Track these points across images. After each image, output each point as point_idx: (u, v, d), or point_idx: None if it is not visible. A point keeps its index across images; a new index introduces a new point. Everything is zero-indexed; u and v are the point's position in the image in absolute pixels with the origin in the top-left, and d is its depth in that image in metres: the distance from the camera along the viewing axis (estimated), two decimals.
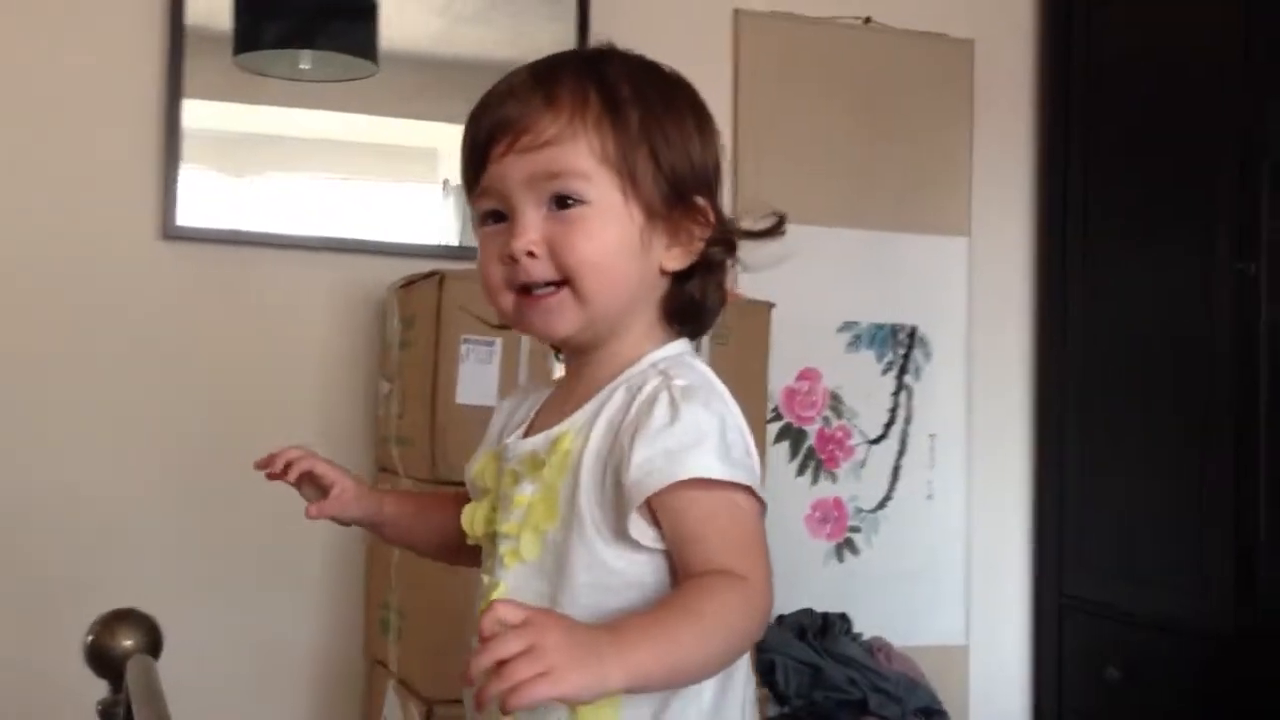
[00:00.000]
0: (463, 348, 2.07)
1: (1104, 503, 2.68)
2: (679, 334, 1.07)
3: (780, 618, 2.53)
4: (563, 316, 1.01)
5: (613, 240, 1.00)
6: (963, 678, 2.82)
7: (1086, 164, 2.78)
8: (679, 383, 0.98)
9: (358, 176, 2.58)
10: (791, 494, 2.74)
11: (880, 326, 2.85)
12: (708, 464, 0.93)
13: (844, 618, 2.56)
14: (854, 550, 2.80)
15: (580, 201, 0.99)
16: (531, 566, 1.01)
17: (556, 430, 1.02)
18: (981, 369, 2.91)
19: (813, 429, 2.79)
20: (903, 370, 2.87)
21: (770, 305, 2.30)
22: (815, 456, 2.79)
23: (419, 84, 2.56)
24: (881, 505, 2.83)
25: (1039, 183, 2.94)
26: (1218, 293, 2.39)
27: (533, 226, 0.99)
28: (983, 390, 2.91)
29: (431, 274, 2.16)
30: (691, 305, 1.06)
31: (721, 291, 1.08)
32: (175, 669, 1.28)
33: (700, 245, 1.04)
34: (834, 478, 2.80)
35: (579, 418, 1.01)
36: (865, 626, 2.61)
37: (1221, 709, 2.25)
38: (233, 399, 2.39)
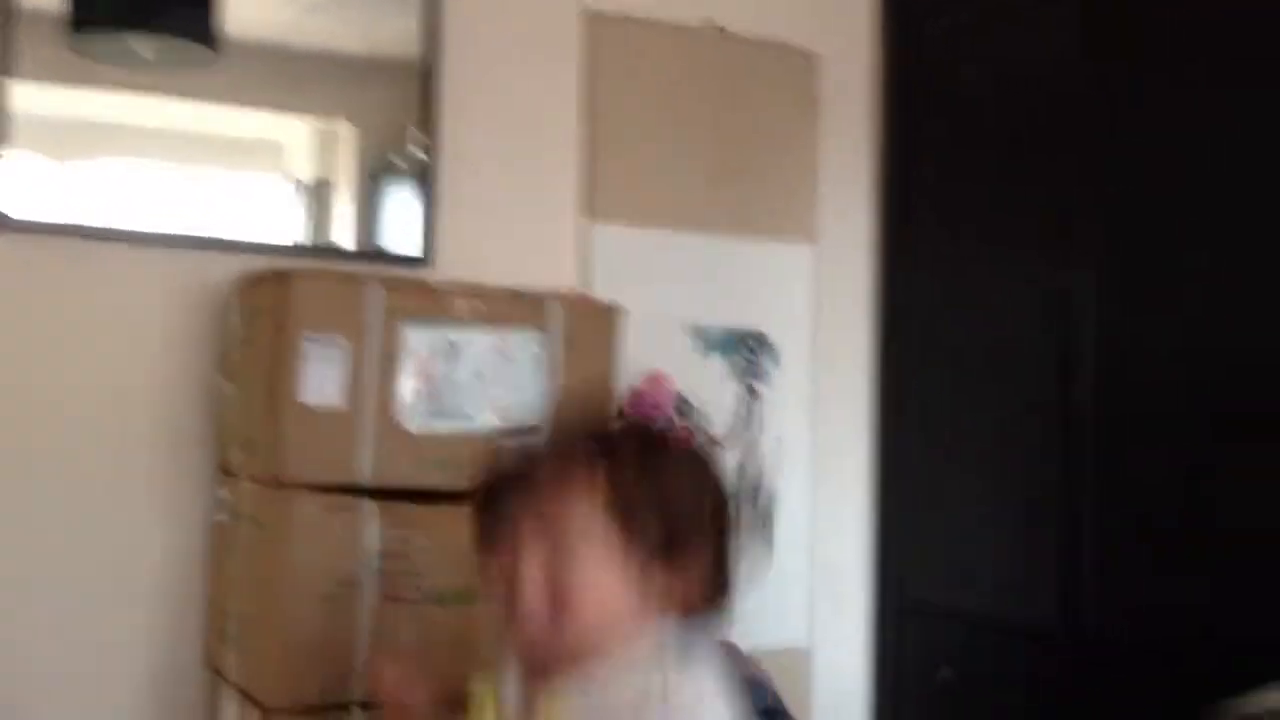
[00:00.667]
0: (305, 345, 2.02)
1: (941, 507, 2.77)
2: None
3: None
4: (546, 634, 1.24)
5: (596, 590, 1.22)
6: (806, 679, 2.87)
7: (928, 173, 2.86)
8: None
9: (198, 168, 2.50)
10: None
11: (729, 332, 2.88)
12: None
13: None
14: None
15: (564, 575, 1.22)
16: None
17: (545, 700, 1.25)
18: (826, 375, 2.97)
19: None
20: (750, 375, 2.90)
21: (620, 309, 2.30)
22: None
23: (265, 74, 2.49)
24: None
25: (882, 190, 3.02)
26: (1046, 300, 2.48)
27: (533, 590, 1.23)
28: (827, 396, 2.97)
29: (275, 271, 2.10)
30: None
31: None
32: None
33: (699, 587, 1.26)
34: None
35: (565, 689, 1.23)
36: None
37: (1048, 707, 2.34)
38: (63, 399, 2.28)
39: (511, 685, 1.30)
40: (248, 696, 2.04)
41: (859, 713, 2.93)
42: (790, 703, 2.50)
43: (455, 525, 2.09)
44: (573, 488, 1.20)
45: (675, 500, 1.22)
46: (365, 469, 2.03)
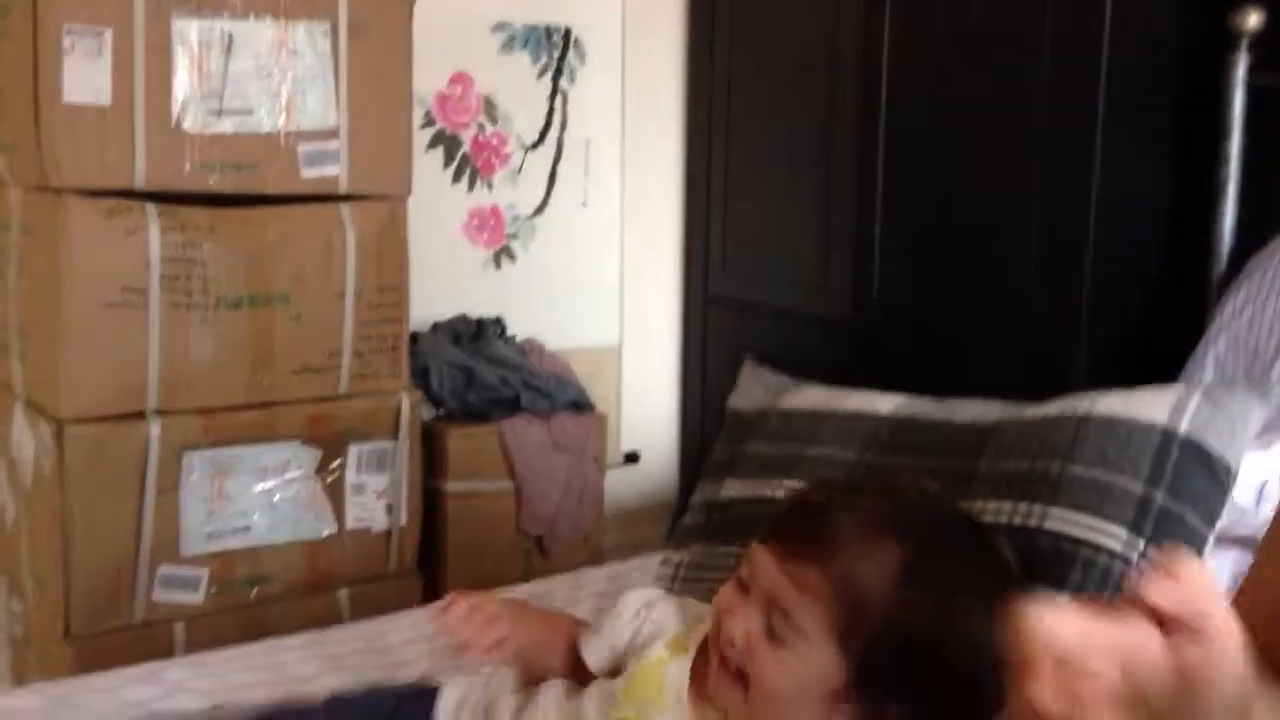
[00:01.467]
0: (66, 39, 1.87)
1: (748, 209, 2.81)
2: None
3: (435, 325, 2.55)
4: (727, 696, 1.00)
5: (790, 688, 0.97)
6: (616, 376, 2.96)
7: None
8: None
9: None
10: (448, 202, 2.71)
11: (533, 28, 2.78)
12: None
13: (498, 321, 2.61)
14: (511, 257, 2.82)
15: (787, 642, 0.97)
16: None
17: None
18: (635, 74, 2.91)
19: (467, 135, 2.74)
20: (558, 74, 2.83)
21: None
22: (471, 164, 2.75)
23: None
24: (538, 212, 2.85)
25: None
26: (849, 4, 2.47)
27: (752, 623, 0.99)
28: (636, 96, 2.92)
29: None
30: None
31: None
32: None
33: None
34: (490, 185, 2.78)
35: None
36: (522, 331, 2.67)
37: (839, 379, 2.46)
38: None
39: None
40: (39, 409, 1.99)
41: (669, 403, 3.04)
42: (601, 398, 2.59)
43: (244, 230, 2.04)
44: (855, 583, 0.97)
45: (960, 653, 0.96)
46: (139, 172, 1.93)
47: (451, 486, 2.32)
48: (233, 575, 2.09)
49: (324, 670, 1.35)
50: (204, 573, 2.06)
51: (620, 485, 2.90)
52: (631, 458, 2.96)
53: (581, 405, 2.48)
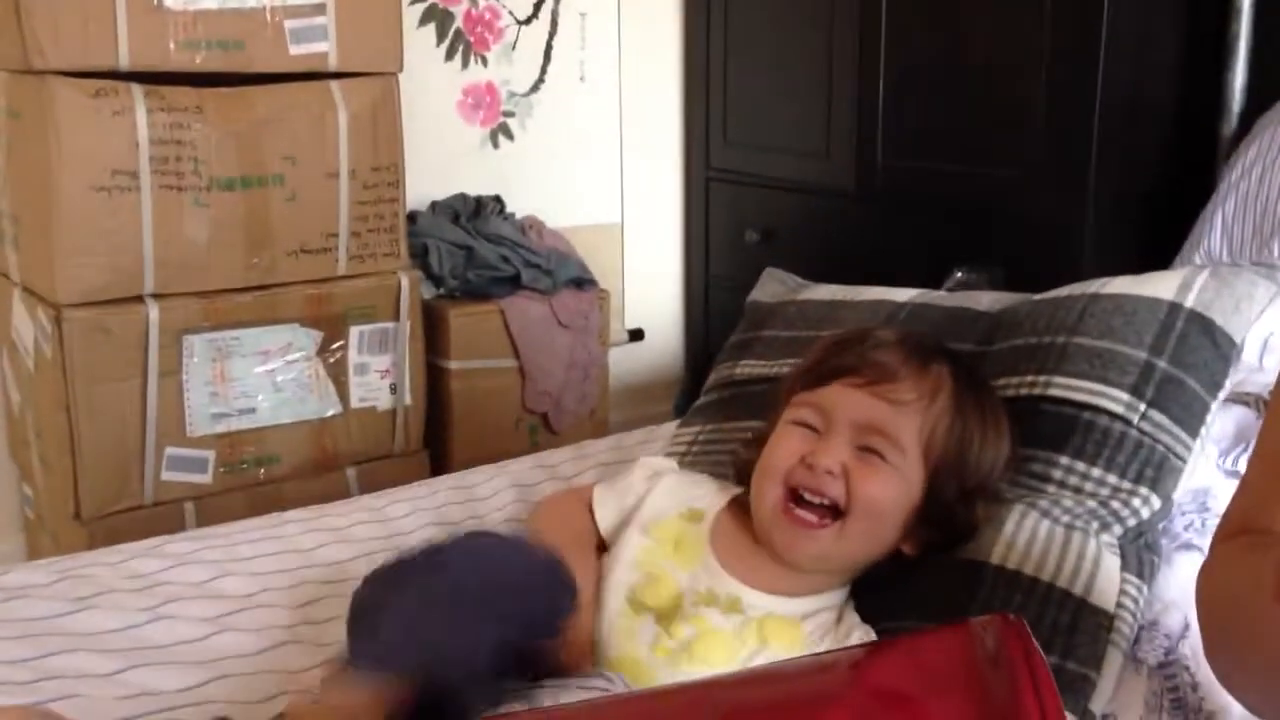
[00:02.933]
0: None
1: (749, 83, 2.75)
2: None
3: (434, 204, 2.53)
4: (811, 545, 1.05)
5: (891, 501, 1.04)
6: (618, 253, 2.94)
7: None
8: None
9: None
10: (442, 80, 2.66)
11: None
12: None
13: (497, 199, 2.58)
14: (508, 135, 2.78)
15: (886, 461, 1.04)
16: None
17: (767, 606, 1.05)
18: None
19: (459, 10, 2.67)
20: None
21: None
22: (464, 39, 2.69)
23: None
24: (534, 89, 2.80)
25: None
26: None
27: (843, 454, 1.04)
28: None
29: None
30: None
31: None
32: None
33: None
34: (485, 61, 2.73)
35: (794, 609, 1.05)
36: (521, 209, 2.64)
37: (843, 256, 2.44)
38: None
39: (703, 556, 1.10)
40: (36, 296, 1.99)
41: (671, 279, 3.03)
42: (603, 276, 2.58)
43: (233, 109, 2.01)
44: (925, 384, 1.07)
45: (982, 464, 1.08)
46: (123, 52, 1.89)
47: (454, 365, 2.33)
48: (240, 456, 2.11)
49: (327, 541, 1.36)
50: (211, 454, 2.08)
51: (625, 362, 2.90)
52: (636, 335, 2.95)
53: (583, 282, 2.47)
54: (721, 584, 1.07)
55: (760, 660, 1.02)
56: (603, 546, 1.16)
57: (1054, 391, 1.14)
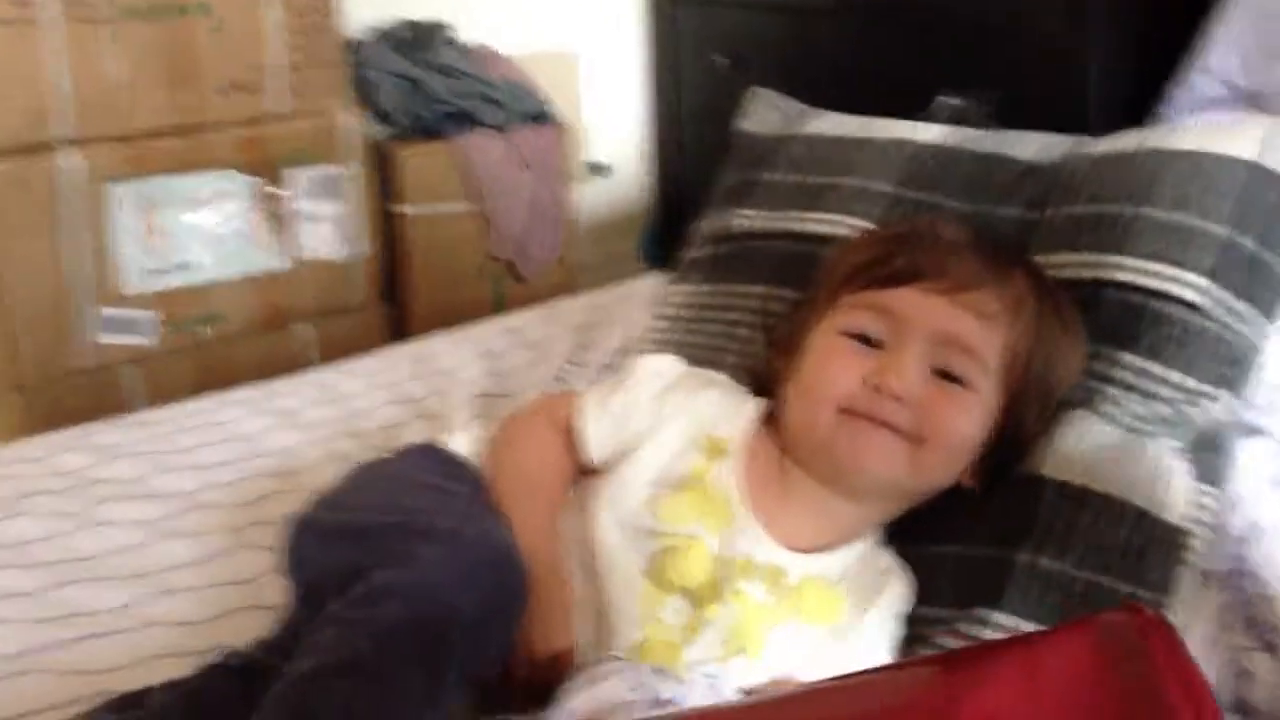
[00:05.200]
0: None
1: None
2: None
3: (375, 32, 2.31)
4: (887, 459, 0.89)
5: (973, 434, 0.91)
6: (574, 83, 2.73)
7: None
8: None
9: None
10: None
11: None
12: None
13: (443, 26, 2.36)
14: None
15: (967, 385, 0.90)
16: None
17: (804, 569, 0.91)
18: None
19: None
20: None
21: None
22: None
23: None
24: None
25: None
26: None
27: (917, 376, 0.89)
28: None
29: None
30: None
31: None
32: None
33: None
34: None
35: (830, 568, 0.91)
36: (471, 37, 2.42)
37: (819, 81, 2.26)
38: None
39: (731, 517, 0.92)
40: None
41: (635, 109, 2.84)
42: (560, 106, 2.38)
43: None
44: (1009, 293, 0.92)
45: (1064, 374, 0.94)
46: None
47: (410, 210, 2.15)
48: (183, 315, 1.95)
49: (274, 426, 1.22)
50: (151, 314, 1.92)
51: (587, 200, 2.73)
52: (599, 170, 2.77)
53: (542, 116, 2.28)
54: (762, 548, 0.90)
55: (788, 633, 0.88)
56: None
57: (1120, 275, 0.98)
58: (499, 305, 2.28)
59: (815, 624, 0.89)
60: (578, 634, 0.89)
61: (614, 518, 0.91)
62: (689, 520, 0.90)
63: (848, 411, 0.90)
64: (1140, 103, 1.95)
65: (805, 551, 0.91)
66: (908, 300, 0.91)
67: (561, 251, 2.37)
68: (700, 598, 0.88)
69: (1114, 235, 1.00)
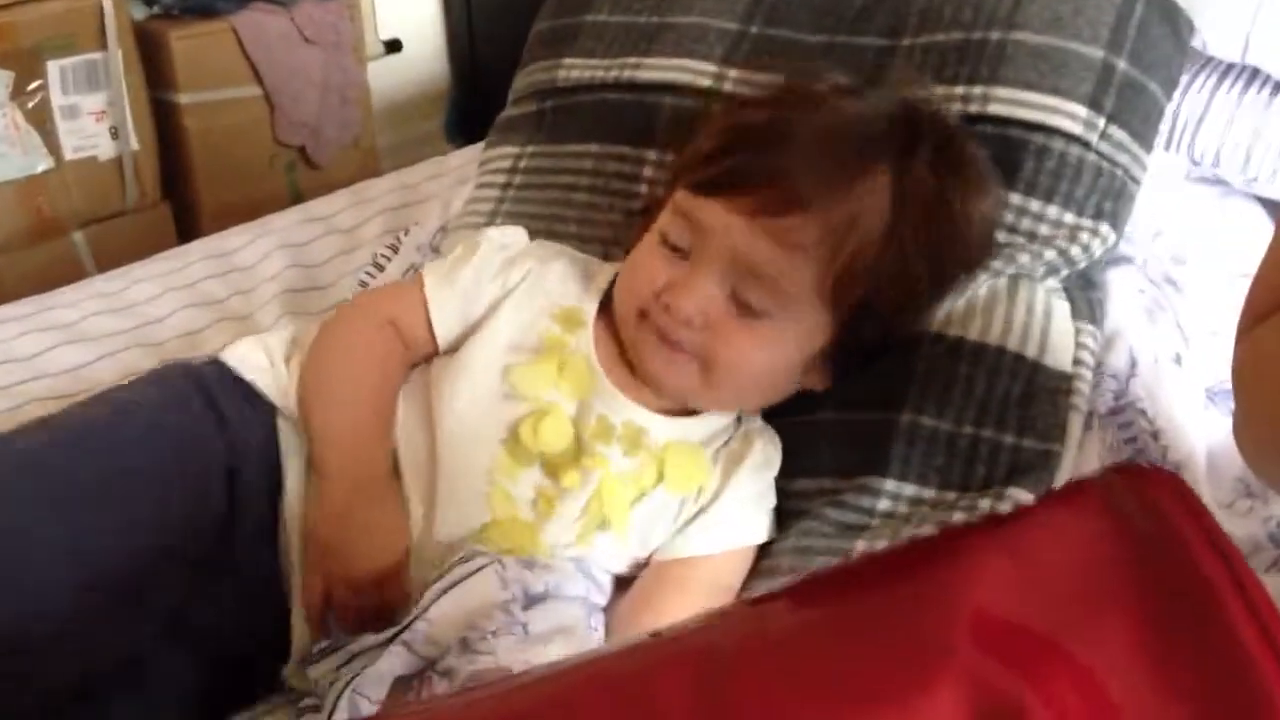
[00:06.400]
0: None
1: None
2: None
3: None
4: (676, 376, 0.85)
5: (772, 363, 0.84)
6: None
7: None
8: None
9: None
10: None
11: None
12: None
13: None
14: None
15: (763, 315, 0.82)
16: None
17: (667, 432, 0.85)
18: None
19: None
20: None
21: None
22: None
23: None
24: None
25: None
26: None
27: (706, 300, 0.82)
28: None
29: None
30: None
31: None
32: None
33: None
34: None
35: (693, 431, 0.86)
36: None
37: None
38: None
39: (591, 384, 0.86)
40: None
41: None
42: None
43: None
44: (851, 227, 0.80)
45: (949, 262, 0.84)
46: None
47: (185, 99, 1.96)
48: None
49: (56, 343, 1.08)
50: None
51: (382, 78, 2.56)
52: (393, 46, 2.60)
53: None
54: (618, 410, 0.85)
55: (654, 505, 0.83)
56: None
57: (994, 108, 0.91)
58: (296, 197, 2.12)
59: (680, 491, 0.85)
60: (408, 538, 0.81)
61: (466, 390, 0.85)
62: (546, 387, 0.84)
63: (644, 318, 0.84)
64: None
65: (669, 416, 0.86)
66: (713, 216, 0.82)
67: (358, 134, 2.21)
68: (557, 466, 0.82)
69: (983, 63, 0.93)
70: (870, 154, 0.83)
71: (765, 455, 0.87)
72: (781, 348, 0.83)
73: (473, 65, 2.68)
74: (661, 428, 0.85)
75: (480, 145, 1.50)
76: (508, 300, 0.89)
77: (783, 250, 0.80)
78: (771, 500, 0.87)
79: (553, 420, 0.83)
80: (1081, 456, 0.82)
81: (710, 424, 0.87)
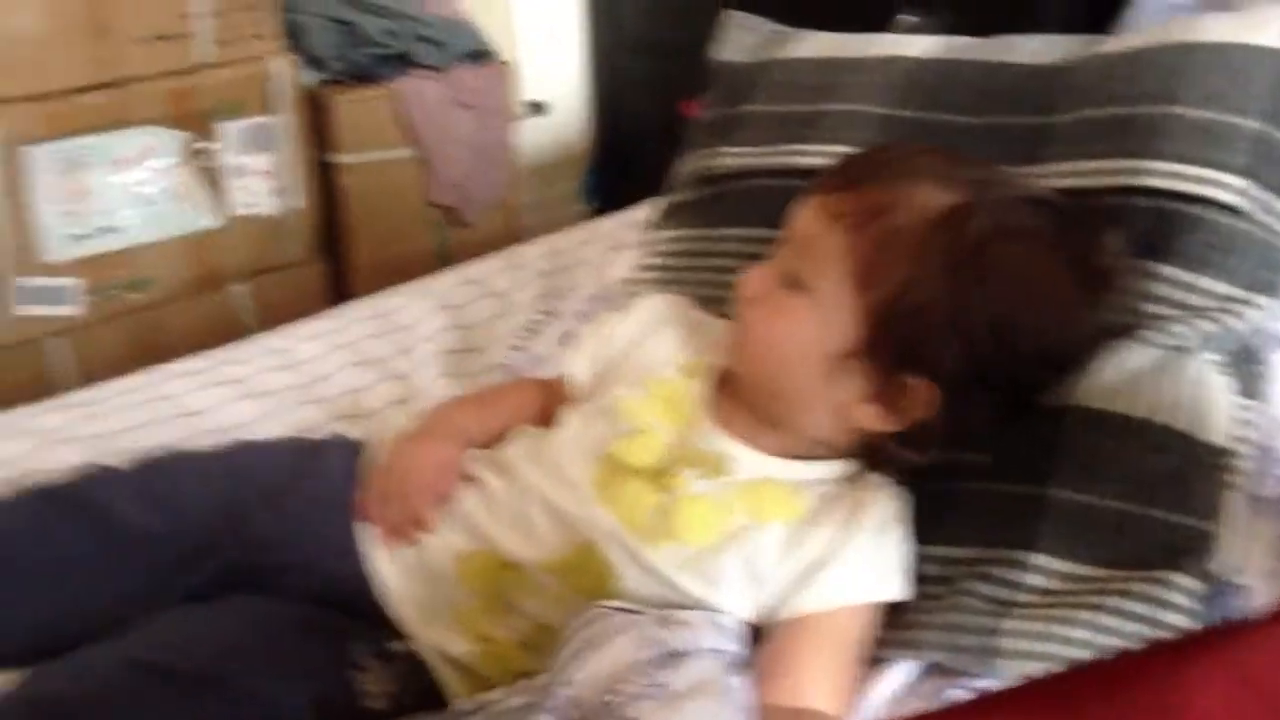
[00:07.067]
0: None
1: None
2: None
3: None
4: (724, 345, 0.92)
5: (795, 336, 0.86)
6: (506, 13, 2.63)
7: None
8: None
9: None
10: None
11: None
12: None
13: None
14: None
15: (801, 288, 0.86)
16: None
17: (762, 467, 0.89)
18: None
19: None
20: None
21: None
22: None
23: None
24: None
25: None
26: None
27: (762, 276, 0.89)
28: None
29: None
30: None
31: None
32: None
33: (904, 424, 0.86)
34: None
35: (796, 472, 0.89)
36: None
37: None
38: None
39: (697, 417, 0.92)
40: None
41: (574, 41, 2.74)
42: (494, 38, 2.29)
43: None
44: (880, 213, 0.84)
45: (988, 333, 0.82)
46: None
47: (346, 159, 2.05)
48: (109, 281, 1.85)
49: (227, 399, 1.14)
50: (73, 281, 1.81)
51: (524, 139, 2.64)
52: (537, 108, 2.68)
53: (481, 54, 2.18)
54: (709, 441, 0.89)
55: (748, 536, 0.85)
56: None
57: (1149, 181, 0.92)
58: (443, 254, 2.20)
59: (763, 520, 0.86)
60: (501, 538, 0.90)
61: (578, 416, 0.94)
62: (649, 416, 0.91)
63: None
64: (1093, 12, 1.90)
65: (766, 453, 0.89)
66: (796, 206, 0.90)
67: (504, 193, 2.28)
68: (643, 480, 0.88)
69: (1139, 138, 0.94)
70: (943, 174, 0.86)
71: (888, 510, 0.88)
72: (808, 326, 0.85)
73: (613, 129, 2.74)
74: (754, 462, 0.88)
75: (626, 212, 1.55)
76: (639, 350, 0.96)
77: (825, 217, 0.86)
78: (900, 557, 0.87)
79: (646, 439, 0.89)
80: (1252, 545, 0.80)
81: (818, 469, 0.89)
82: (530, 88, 2.65)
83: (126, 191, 1.81)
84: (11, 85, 1.68)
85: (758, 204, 1.08)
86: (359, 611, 0.89)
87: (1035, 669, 0.77)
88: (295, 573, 0.90)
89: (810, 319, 0.85)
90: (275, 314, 1.99)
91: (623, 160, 2.74)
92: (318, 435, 1.05)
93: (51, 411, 1.13)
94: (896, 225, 0.83)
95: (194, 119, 1.85)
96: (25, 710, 0.78)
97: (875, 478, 0.90)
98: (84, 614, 0.87)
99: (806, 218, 0.88)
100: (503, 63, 2.23)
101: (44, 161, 1.72)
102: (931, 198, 0.84)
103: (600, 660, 0.78)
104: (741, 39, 1.23)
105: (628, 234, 1.41)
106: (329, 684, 0.83)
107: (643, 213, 1.49)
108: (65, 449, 1.05)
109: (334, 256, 2.10)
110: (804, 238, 0.87)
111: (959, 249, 0.82)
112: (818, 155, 1.07)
